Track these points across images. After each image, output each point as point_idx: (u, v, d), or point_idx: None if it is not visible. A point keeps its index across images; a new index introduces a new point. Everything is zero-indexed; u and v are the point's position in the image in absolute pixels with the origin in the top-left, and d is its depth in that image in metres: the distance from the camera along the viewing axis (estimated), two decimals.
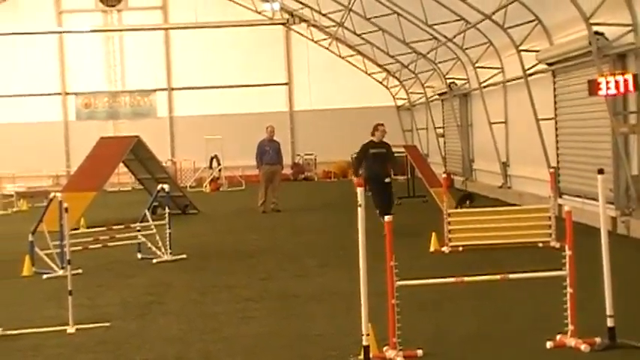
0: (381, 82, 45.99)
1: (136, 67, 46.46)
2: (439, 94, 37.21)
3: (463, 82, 33.15)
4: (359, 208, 9.03)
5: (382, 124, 21.49)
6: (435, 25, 29.49)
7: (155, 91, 46.79)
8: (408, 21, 31.83)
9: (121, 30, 45.46)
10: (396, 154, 37.06)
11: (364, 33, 39.03)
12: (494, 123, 29.46)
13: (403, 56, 38.25)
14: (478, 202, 24.30)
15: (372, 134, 21.28)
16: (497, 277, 9.90)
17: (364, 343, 8.88)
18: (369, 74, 45.87)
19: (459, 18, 27.46)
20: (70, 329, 11.28)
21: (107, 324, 11.57)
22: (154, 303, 13.25)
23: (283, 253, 17.51)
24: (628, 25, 18.03)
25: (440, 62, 34.39)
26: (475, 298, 11.55)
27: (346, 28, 40.50)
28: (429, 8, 28.34)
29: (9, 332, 11.25)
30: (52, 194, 18.12)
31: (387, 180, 20.60)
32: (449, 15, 27.66)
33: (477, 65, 29.98)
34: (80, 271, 15.30)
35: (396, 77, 44.18)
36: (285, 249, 17.98)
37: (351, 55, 45.47)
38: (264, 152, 27.69)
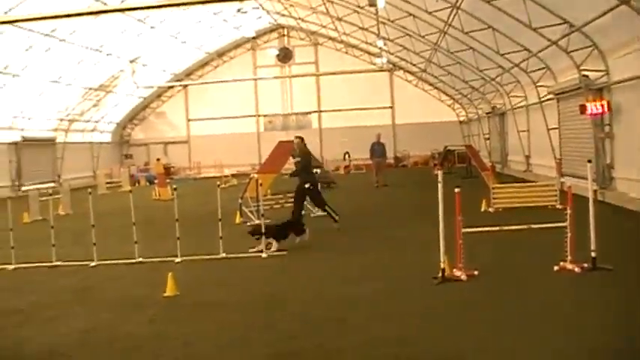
0: (449, 106, 45.07)
1: (299, 98, 46.87)
2: (486, 113, 36.33)
3: (501, 105, 32.35)
4: (439, 184, 9.08)
5: (298, 136, 16.12)
6: (484, 70, 28.84)
7: (310, 112, 47.15)
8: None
9: (290, 77, 46.01)
10: (457, 151, 37.00)
11: (441, 75, 38.44)
12: (520, 131, 28.66)
13: (464, 89, 37.58)
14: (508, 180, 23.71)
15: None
16: (525, 226, 9.80)
17: (442, 266, 9.00)
18: (442, 101, 45.07)
19: (496, 66, 26.82)
20: (264, 255, 11.73)
21: (284, 252, 11.94)
22: (317, 240, 13.39)
23: (391, 212, 17.36)
24: (603, 71, 17.61)
25: (486, 93, 33.71)
26: (510, 240, 11.30)
27: (427, 73, 39.93)
28: (480, 60, 27.78)
29: (229, 256, 11.76)
30: (251, 175, 18.74)
31: (307, 185, 14.98)
32: (490, 64, 27.12)
33: (510, 95, 29.23)
34: (269, 221, 15.65)
35: (459, 103, 43.37)
36: (392, 210, 17.77)
37: (431, 89, 44.82)
38: (375, 150, 27.77)
